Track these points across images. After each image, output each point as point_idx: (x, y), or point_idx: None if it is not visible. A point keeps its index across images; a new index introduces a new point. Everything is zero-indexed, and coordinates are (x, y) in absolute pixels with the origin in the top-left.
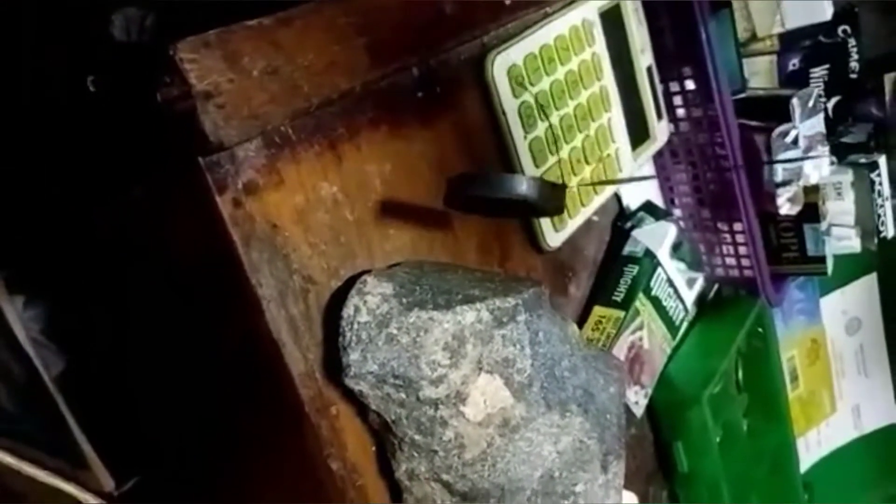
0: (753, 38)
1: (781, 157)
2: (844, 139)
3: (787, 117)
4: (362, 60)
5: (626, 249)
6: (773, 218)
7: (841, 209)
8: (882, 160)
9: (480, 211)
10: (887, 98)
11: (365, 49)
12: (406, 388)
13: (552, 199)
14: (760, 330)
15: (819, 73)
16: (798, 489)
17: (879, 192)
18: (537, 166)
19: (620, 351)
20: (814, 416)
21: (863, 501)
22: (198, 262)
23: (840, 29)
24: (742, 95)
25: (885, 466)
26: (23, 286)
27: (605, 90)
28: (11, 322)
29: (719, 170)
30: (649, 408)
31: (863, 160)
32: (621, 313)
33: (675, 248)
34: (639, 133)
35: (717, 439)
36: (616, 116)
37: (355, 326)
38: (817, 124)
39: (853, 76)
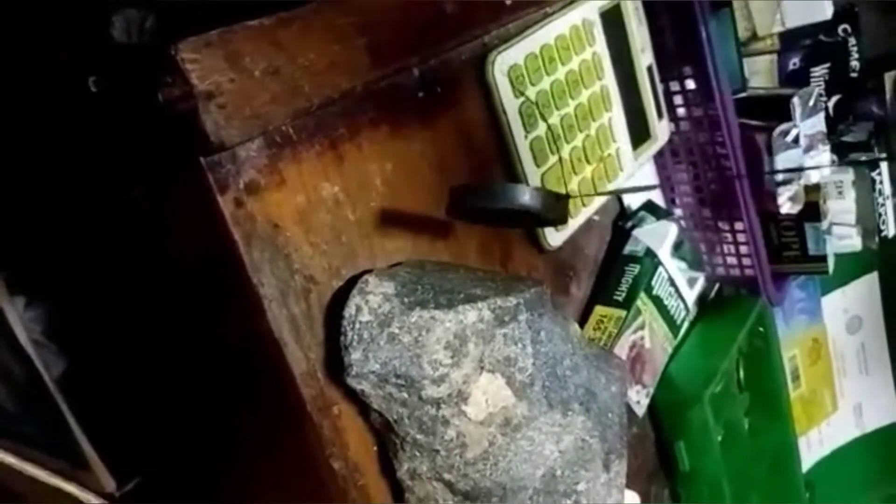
0: (754, 37)
1: (782, 155)
2: (845, 138)
3: (787, 116)
4: (363, 60)
5: (627, 249)
6: (773, 217)
7: (842, 208)
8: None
9: (483, 221)
10: (888, 97)
11: (366, 49)
12: (408, 387)
13: (555, 209)
14: (761, 329)
15: (819, 72)
16: (799, 488)
17: (880, 190)
18: (538, 166)
19: (622, 350)
20: (815, 415)
21: (864, 500)
22: (199, 262)
23: (840, 28)
24: (742, 95)
25: (887, 465)
26: (24, 287)
27: (605, 90)
28: (12, 323)
29: (720, 169)
30: (651, 407)
31: (864, 159)
32: (623, 313)
33: (676, 248)
34: (639, 132)
35: (719, 438)
36: (617, 116)
37: (357, 326)
38: (818, 123)
39: (853, 75)
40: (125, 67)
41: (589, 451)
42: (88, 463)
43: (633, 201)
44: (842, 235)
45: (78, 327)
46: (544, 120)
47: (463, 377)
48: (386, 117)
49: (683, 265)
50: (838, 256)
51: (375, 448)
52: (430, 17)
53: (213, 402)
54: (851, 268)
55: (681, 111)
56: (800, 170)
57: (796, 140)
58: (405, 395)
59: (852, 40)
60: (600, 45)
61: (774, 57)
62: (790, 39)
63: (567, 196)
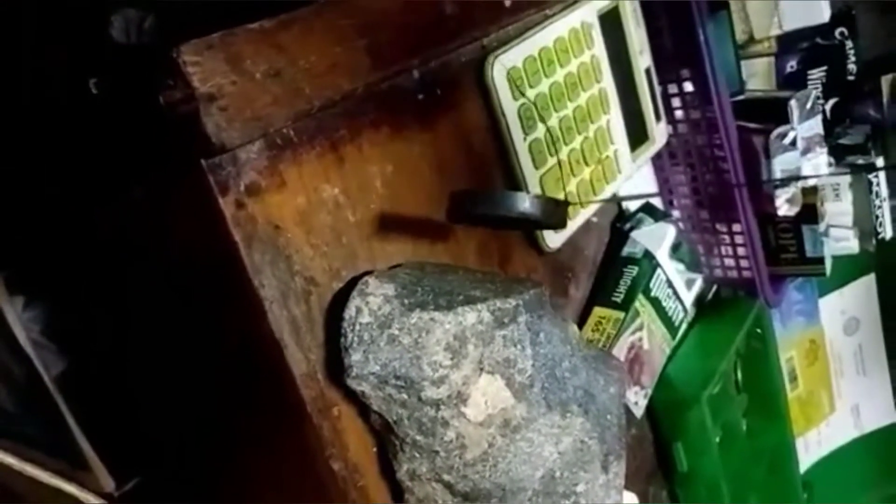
0: (751, 40)
1: (780, 158)
2: (842, 140)
3: (785, 119)
4: (363, 62)
5: (626, 250)
6: (771, 219)
7: (839, 210)
8: (880, 161)
9: (482, 224)
10: (885, 99)
11: (366, 51)
12: (407, 388)
13: (555, 214)
14: (759, 330)
15: (817, 74)
16: (797, 489)
17: (877, 193)
18: (537, 168)
19: (620, 351)
20: (813, 416)
21: (862, 501)
22: (199, 264)
23: (837, 31)
24: (740, 97)
25: (885, 466)
26: (23, 287)
27: (603, 92)
28: (12, 323)
29: (718, 171)
30: (649, 408)
31: (861, 161)
32: (621, 314)
33: (674, 249)
34: (637, 135)
35: (717, 439)
36: (615, 118)
37: (357, 327)
38: (815, 126)
39: (851, 78)
40: (126, 69)
41: (588, 453)
42: (88, 463)
43: (631, 203)
44: (839, 237)
45: (77, 327)
46: (543, 122)
47: (462, 378)
48: (386, 119)
49: (681, 267)
50: (835, 258)
51: (375, 449)
52: (430, 20)
53: (213, 402)
54: (849, 270)
55: (679, 113)
56: (798, 178)
57: (794, 143)
58: (405, 396)
59: (849, 43)
60: (599, 48)
61: (772, 59)
62: (787, 42)
63: (566, 202)
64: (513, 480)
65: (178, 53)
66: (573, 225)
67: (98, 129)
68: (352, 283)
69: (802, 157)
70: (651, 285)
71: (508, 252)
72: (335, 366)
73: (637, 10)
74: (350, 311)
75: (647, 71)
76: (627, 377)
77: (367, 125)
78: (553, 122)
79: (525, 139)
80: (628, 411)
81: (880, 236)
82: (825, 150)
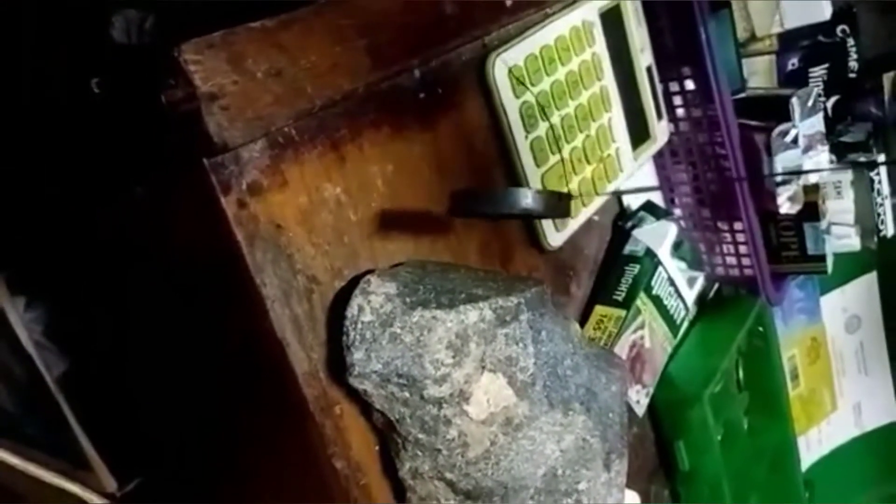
0: (753, 38)
1: (781, 156)
2: (844, 138)
3: (786, 117)
4: (364, 62)
5: (627, 249)
6: (773, 217)
7: (841, 208)
8: (881, 159)
9: (486, 218)
10: (886, 97)
11: (367, 50)
12: (410, 386)
13: (558, 207)
14: (761, 329)
15: (818, 72)
16: (799, 487)
17: (879, 190)
18: (538, 166)
19: (622, 350)
20: (814, 414)
21: (864, 499)
22: (201, 263)
23: (839, 28)
24: (742, 95)
25: (886, 464)
26: (24, 287)
27: (605, 90)
28: (13, 323)
29: (719, 169)
30: (650, 406)
31: (862, 159)
32: (622, 312)
33: (676, 248)
34: (639, 133)
35: (718, 438)
36: (616, 116)
37: (359, 326)
38: (817, 123)
39: (852, 75)
40: (127, 68)
41: (590, 451)
42: (89, 463)
43: (632, 201)
44: (840, 235)
45: (79, 328)
46: (544, 120)
47: (464, 377)
48: (387, 118)
49: (683, 265)
50: (837, 256)
51: (377, 447)
52: (431, 19)
53: (215, 402)
54: (850, 267)
55: (680, 112)
56: (799, 173)
57: (795, 140)
58: (407, 394)
59: (851, 41)
60: (600, 46)
61: (773, 57)
62: (789, 40)
63: (568, 194)
64: (515, 478)
65: (180, 52)
66: (574, 223)
67: (99, 128)
68: (353, 282)
69: (804, 154)
70: (652, 283)
71: (510, 251)
72: (337, 364)
73: (638, 8)
74: (352, 310)
75: (649, 69)
76: (629, 375)
77: (368, 124)
78: (554, 120)
79: (527, 137)
80: (630, 410)
81: (882, 234)
82: (826, 147)
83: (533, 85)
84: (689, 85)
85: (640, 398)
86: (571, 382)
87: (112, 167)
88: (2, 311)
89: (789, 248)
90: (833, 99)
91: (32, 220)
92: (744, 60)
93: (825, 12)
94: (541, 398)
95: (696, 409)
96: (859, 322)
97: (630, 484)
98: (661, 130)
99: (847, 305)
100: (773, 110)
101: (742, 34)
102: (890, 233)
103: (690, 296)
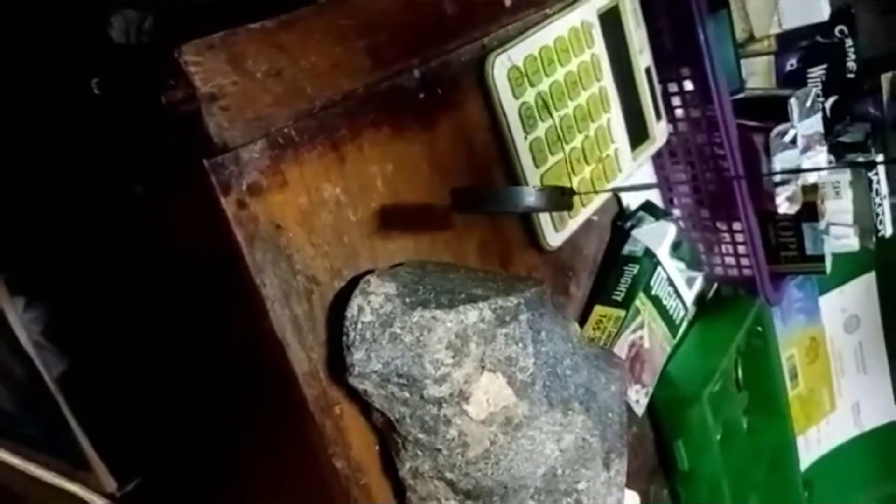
0: (751, 38)
1: (780, 156)
2: (842, 138)
3: (785, 117)
4: (364, 62)
5: (626, 249)
6: (771, 217)
7: (839, 208)
8: (880, 159)
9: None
10: (884, 97)
11: (367, 51)
12: (410, 386)
13: (560, 202)
14: (760, 329)
15: (817, 73)
16: (798, 487)
17: (877, 190)
18: (537, 167)
19: (621, 350)
20: (813, 414)
21: (862, 499)
22: (201, 263)
23: (837, 29)
24: (740, 95)
25: (885, 464)
26: (24, 287)
27: (604, 91)
28: (13, 324)
29: (718, 170)
30: (650, 406)
31: (861, 159)
32: (622, 312)
33: (675, 248)
34: (638, 133)
35: (718, 437)
36: (615, 117)
37: (359, 326)
38: (815, 124)
39: (850, 76)
40: (127, 69)
41: (589, 450)
42: (89, 463)
43: (631, 202)
44: (839, 235)
45: (79, 328)
46: (544, 121)
47: (464, 377)
48: (387, 118)
49: (682, 265)
50: (836, 256)
51: (377, 447)
52: (431, 19)
53: (215, 402)
54: (849, 267)
55: (679, 112)
56: (798, 171)
57: (794, 141)
58: (407, 394)
59: (849, 41)
60: (599, 47)
61: (772, 58)
62: (787, 41)
63: (571, 189)
64: (514, 478)
65: (180, 53)
66: (574, 223)
67: (99, 129)
68: (353, 282)
69: (802, 154)
70: (652, 284)
71: (509, 251)
72: (337, 364)
73: (637, 9)
74: (352, 310)
75: (648, 70)
76: (628, 375)
77: (367, 125)
78: (554, 120)
79: (526, 138)
80: (629, 409)
81: (880, 234)
82: (825, 147)
83: (532, 86)
84: (688, 85)
85: (639, 398)
86: (571, 382)
87: (112, 167)
88: (1, 312)
89: (788, 248)
90: (831, 99)
91: (32, 220)
92: (742, 61)
93: (823, 13)
94: (540, 398)
95: (696, 409)
96: (858, 322)
97: (629, 484)
98: (659, 131)
99: (846, 305)
100: (771, 111)
101: (741, 35)
102: (888, 233)
103: (689, 296)
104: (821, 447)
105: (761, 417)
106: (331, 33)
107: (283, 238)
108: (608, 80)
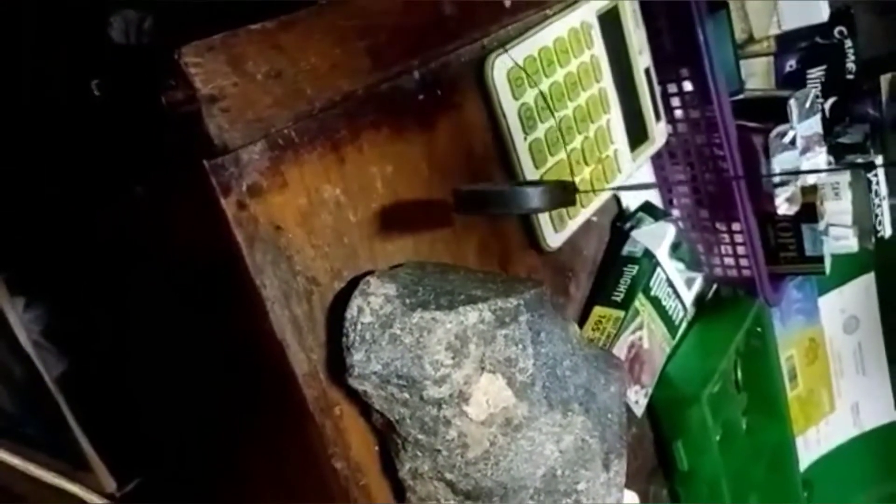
0: (750, 39)
1: (779, 157)
2: (842, 139)
3: (784, 118)
4: (364, 63)
5: (626, 250)
6: (771, 218)
7: (838, 209)
8: (879, 160)
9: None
10: (883, 98)
11: (366, 52)
12: (409, 387)
13: (563, 201)
14: (759, 329)
15: (816, 73)
16: (797, 487)
17: (876, 191)
18: (537, 167)
19: (620, 351)
20: (813, 414)
21: (862, 499)
22: (200, 264)
23: (836, 30)
24: (740, 96)
25: (885, 464)
26: (24, 288)
27: (603, 92)
28: (13, 324)
29: (717, 171)
30: (649, 407)
31: (860, 160)
32: (621, 313)
33: (674, 249)
34: (637, 134)
35: (717, 438)
36: (615, 118)
37: (359, 327)
38: (814, 125)
39: (850, 77)
40: (128, 70)
41: (589, 451)
42: (89, 464)
43: (631, 202)
44: (838, 236)
45: (78, 328)
46: (544, 121)
47: (464, 378)
48: (387, 119)
49: (681, 266)
50: (835, 257)
51: (377, 448)
52: (430, 20)
53: (215, 402)
54: (848, 268)
55: (678, 113)
56: (797, 173)
57: (793, 142)
58: (407, 395)
59: (848, 42)
60: (598, 48)
61: (771, 59)
62: (787, 41)
63: (573, 184)
64: (514, 479)
65: (180, 55)
66: (573, 224)
67: (99, 129)
68: (353, 283)
69: (802, 155)
70: (651, 284)
71: (509, 252)
72: (337, 365)
73: (636, 9)
74: (352, 311)
75: (647, 70)
76: (628, 376)
77: (367, 126)
78: (553, 121)
79: (525, 139)
80: (629, 410)
81: (879, 235)
82: (824, 148)
83: (531, 87)
84: (688, 86)
85: (638, 398)
86: (570, 383)
87: (112, 168)
88: (1, 312)
89: (787, 248)
90: (831, 100)
91: (32, 220)
92: (742, 62)
93: (823, 14)
94: (540, 399)
95: (695, 410)
96: (857, 323)
97: (629, 484)
98: (659, 132)
99: (845, 306)
100: (770, 111)
101: (740, 36)
102: (888, 233)
103: (689, 296)
104: (820, 448)
105: (761, 418)
106: (331, 34)
107: (283, 239)
108: (608, 81)
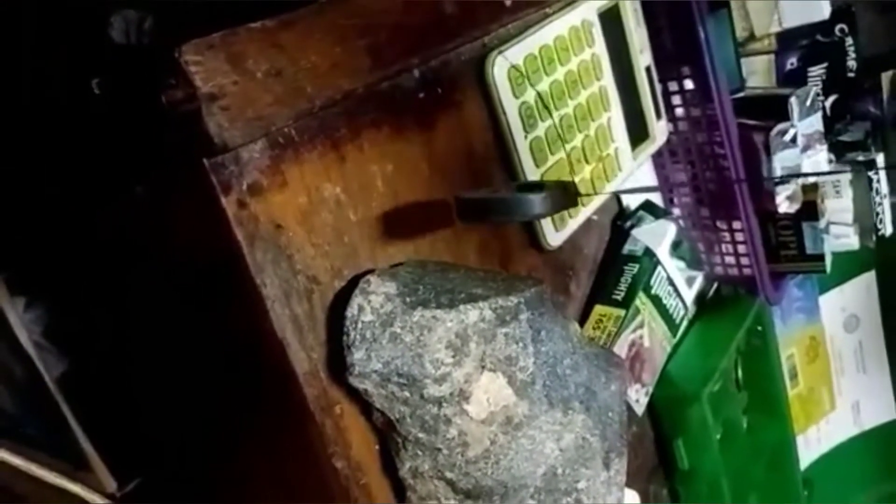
0: (751, 37)
1: (780, 155)
2: (842, 137)
3: (785, 116)
4: (364, 62)
5: (626, 248)
6: (771, 216)
7: (839, 207)
8: (880, 158)
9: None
10: (884, 96)
11: (367, 50)
12: (410, 386)
13: (566, 202)
14: (760, 328)
15: (817, 71)
16: (798, 486)
17: (877, 189)
18: (538, 166)
19: (621, 349)
20: (813, 413)
21: (862, 498)
22: (201, 263)
23: (837, 28)
24: (740, 94)
25: (885, 463)
26: (24, 288)
27: (604, 90)
28: (13, 324)
29: (718, 169)
30: (650, 405)
31: (861, 158)
32: (622, 312)
33: (675, 247)
34: (638, 132)
35: (718, 436)
36: (615, 116)
37: (359, 325)
38: (815, 123)
39: (851, 75)
40: (127, 69)
41: (589, 450)
42: (89, 463)
43: (631, 201)
44: (839, 234)
45: (79, 328)
46: (545, 120)
47: (464, 376)
48: (387, 118)
49: (682, 264)
50: (836, 255)
51: (377, 447)
52: (431, 19)
53: (215, 402)
54: (849, 267)
55: (679, 111)
56: (798, 175)
57: (794, 139)
58: (407, 394)
59: (849, 40)
60: (599, 46)
61: (772, 57)
62: (787, 39)
63: (574, 185)
64: (515, 477)
65: (180, 53)
66: (574, 223)
67: (99, 128)
68: (353, 282)
69: (802, 153)
70: (652, 283)
71: (509, 250)
72: (337, 364)
73: (637, 8)
74: (352, 310)
75: (648, 69)
76: (628, 375)
77: (367, 124)
78: (554, 120)
79: (526, 137)
80: (629, 409)
81: (880, 233)
82: (825, 146)
83: (532, 85)
84: (688, 84)
85: (639, 397)
86: (571, 382)
87: (112, 167)
88: (2, 312)
89: (788, 247)
90: (832, 98)
91: (32, 220)
92: (742, 60)
93: (824, 12)
94: (540, 397)
95: (696, 408)
96: (858, 321)
97: (629, 483)
98: (660, 130)
99: (846, 304)
100: (771, 110)
101: (741, 34)
102: (888, 232)
103: (689, 295)
104: (820, 446)
105: (761, 417)
106: (331, 33)
107: (284, 238)
108: (608, 80)
